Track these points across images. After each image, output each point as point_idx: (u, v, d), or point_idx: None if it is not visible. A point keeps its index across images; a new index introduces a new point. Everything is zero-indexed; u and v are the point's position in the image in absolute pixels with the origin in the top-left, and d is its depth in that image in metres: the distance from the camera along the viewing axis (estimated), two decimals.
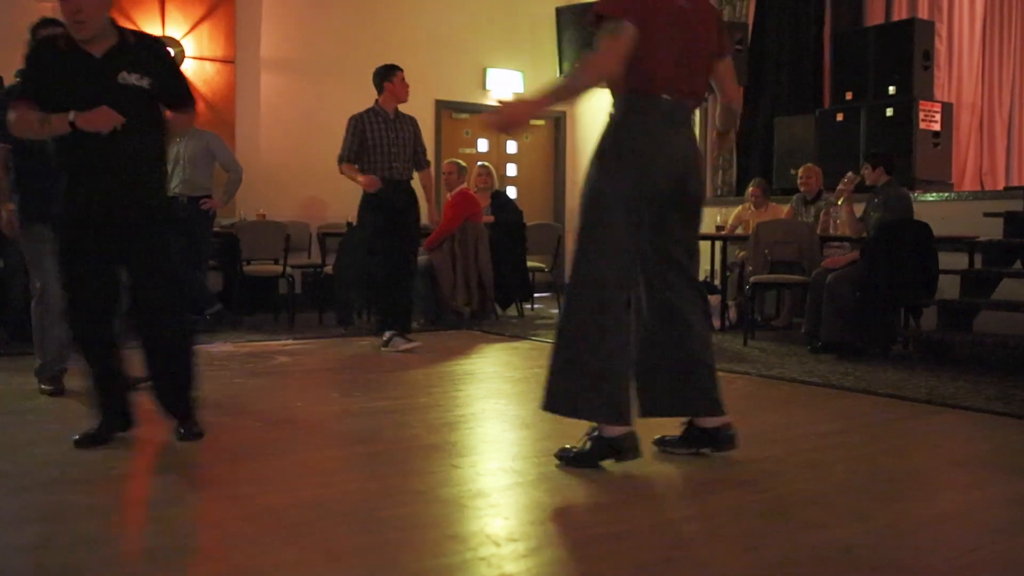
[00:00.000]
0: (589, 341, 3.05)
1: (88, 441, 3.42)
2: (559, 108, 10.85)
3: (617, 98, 3.12)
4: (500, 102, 3.24)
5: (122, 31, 3.53)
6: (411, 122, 6.18)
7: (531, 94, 3.07)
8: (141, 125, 3.36)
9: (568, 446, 3.21)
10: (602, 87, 3.12)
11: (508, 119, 2.99)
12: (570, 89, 3.10)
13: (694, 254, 3.35)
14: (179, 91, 3.56)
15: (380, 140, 5.98)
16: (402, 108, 6.15)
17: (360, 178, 5.91)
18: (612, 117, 3.13)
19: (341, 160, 6.02)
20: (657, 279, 3.26)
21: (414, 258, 6.22)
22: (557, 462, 3.19)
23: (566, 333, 3.11)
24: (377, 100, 6.08)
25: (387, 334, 6.01)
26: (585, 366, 3.04)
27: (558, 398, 3.12)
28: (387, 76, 6.09)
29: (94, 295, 3.41)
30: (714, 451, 3.29)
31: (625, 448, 3.09)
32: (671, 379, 3.25)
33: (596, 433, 3.12)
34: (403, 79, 6.08)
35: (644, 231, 3.11)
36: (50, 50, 3.42)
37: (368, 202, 5.99)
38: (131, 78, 3.39)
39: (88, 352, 3.49)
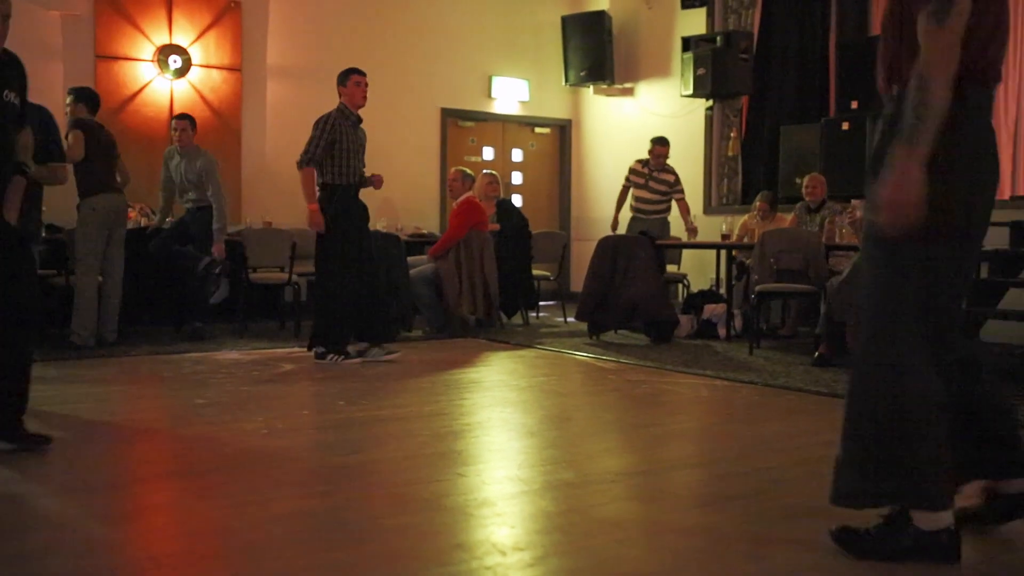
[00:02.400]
0: None
1: None
2: (564, 116, 10.87)
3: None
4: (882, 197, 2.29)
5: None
6: (364, 134, 5.98)
7: (897, 156, 2.25)
8: (12, 143, 3.34)
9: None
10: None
11: (896, 206, 2.25)
12: (930, 113, 2.23)
13: None
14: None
15: (350, 143, 5.77)
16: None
17: (311, 205, 5.65)
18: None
19: (308, 162, 5.68)
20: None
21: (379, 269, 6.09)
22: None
23: None
24: (341, 101, 5.86)
25: (361, 345, 5.88)
26: None
27: None
28: (342, 79, 5.85)
29: None
30: None
31: None
32: None
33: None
34: (358, 82, 5.82)
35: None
36: None
37: (344, 210, 5.75)
38: (10, 95, 3.36)
39: None
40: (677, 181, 8.41)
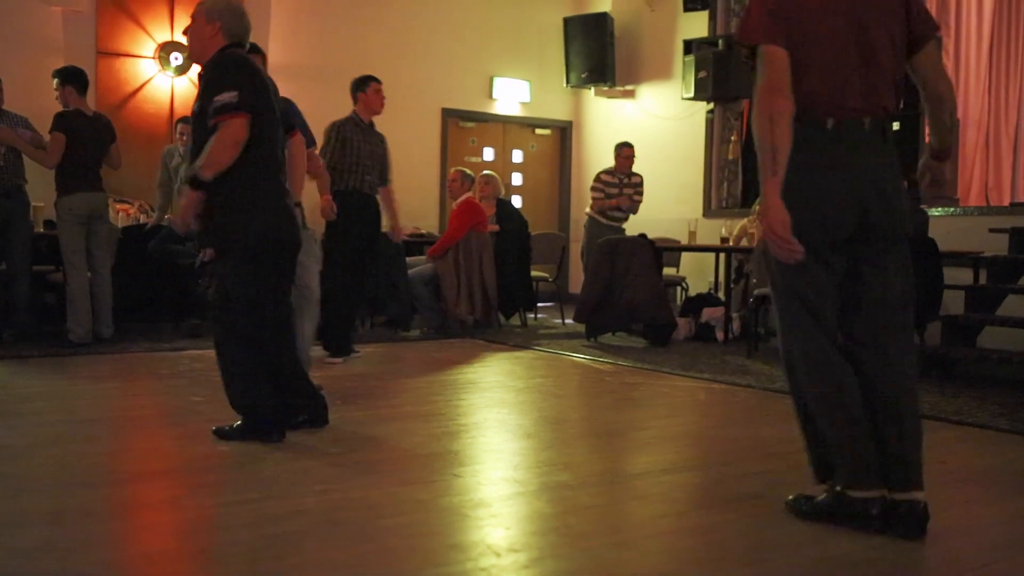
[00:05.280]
0: None
1: None
2: (565, 118, 10.87)
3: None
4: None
5: None
6: (383, 139, 6.03)
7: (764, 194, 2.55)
8: None
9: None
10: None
11: (776, 235, 2.53)
12: (767, 152, 2.54)
13: None
14: None
15: (358, 151, 5.81)
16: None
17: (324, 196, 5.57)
18: None
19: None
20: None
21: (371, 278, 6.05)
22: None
23: None
24: (354, 110, 5.94)
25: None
26: None
27: None
28: (361, 87, 5.89)
29: None
30: None
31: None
32: None
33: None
34: (377, 90, 5.90)
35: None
36: None
37: (352, 215, 5.76)
38: None
39: None
40: (642, 180, 8.42)
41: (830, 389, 2.64)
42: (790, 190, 2.55)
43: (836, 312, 2.69)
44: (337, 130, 5.81)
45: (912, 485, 2.60)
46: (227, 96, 3.43)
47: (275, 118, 3.69)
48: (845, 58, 2.60)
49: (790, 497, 2.84)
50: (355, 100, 5.93)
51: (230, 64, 3.54)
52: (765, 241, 2.61)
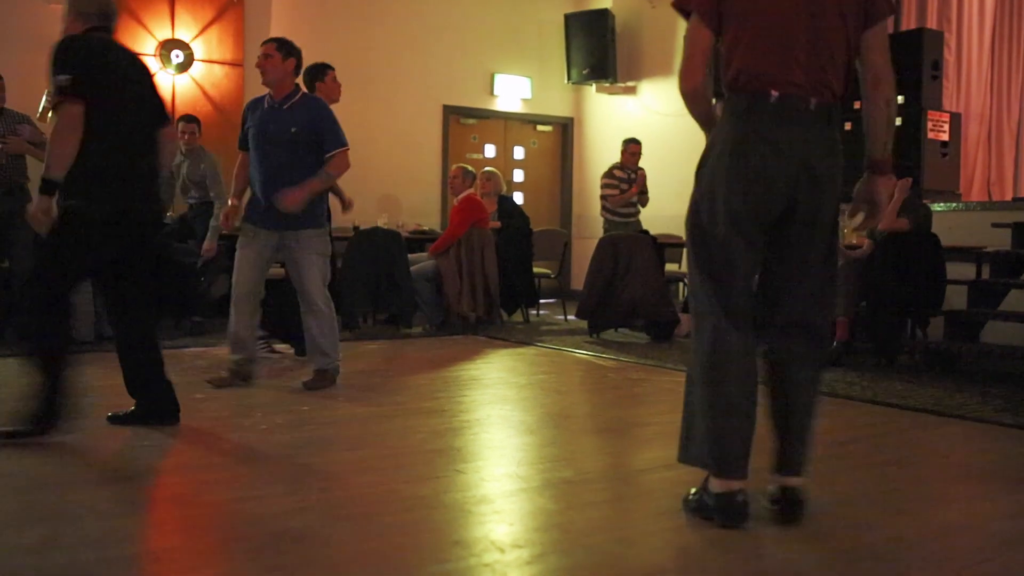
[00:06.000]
0: None
1: None
2: (566, 114, 10.86)
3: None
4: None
5: None
6: None
7: None
8: None
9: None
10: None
11: None
12: (704, 127, 2.70)
13: None
14: None
15: None
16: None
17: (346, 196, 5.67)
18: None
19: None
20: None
21: None
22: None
23: None
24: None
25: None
26: None
27: None
28: (317, 75, 5.66)
29: None
30: None
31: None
32: None
33: None
34: (335, 78, 5.70)
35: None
36: None
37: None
38: None
39: None
40: (645, 175, 8.44)
41: (718, 374, 2.59)
42: (721, 160, 2.56)
43: (748, 291, 2.65)
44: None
45: (792, 471, 2.66)
46: (61, 79, 3.42)
47: (125, 100, 3.62)
48: (792, 30, 2.53)
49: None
50: (312, 89, 5.74)
51: (63, 48, 3.50)
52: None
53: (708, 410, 2.60)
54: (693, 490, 2.75)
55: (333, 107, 5.33)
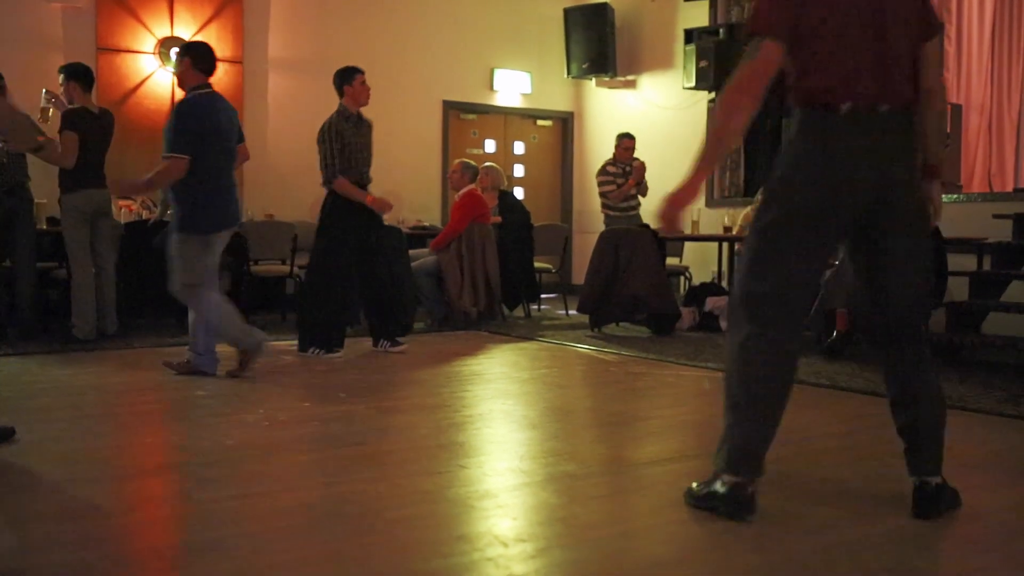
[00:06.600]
0: None
1: None
2: (566, 109, 10.85)
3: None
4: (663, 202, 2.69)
5: None
6: (370, 126, 5.92)
7: (688, 175, 2.65)
8: None
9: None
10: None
11: (670, 213, 2.66)
12: (712, 140, 2.66)
13: None
14: None
15: (354, 145, 5.72)
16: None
17: (368, 198, 5.65)
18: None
19: (334, 176, 5.62)
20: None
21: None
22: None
23: None
24: (341, 103, 5.80)
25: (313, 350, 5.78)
26: None
27: None
28: (346, 79, 5.76)
29: None
30: None
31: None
32: None
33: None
34: (363, 81, 5.77)
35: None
36: None
37: (343, 209, 5.68)
38: None
39: None
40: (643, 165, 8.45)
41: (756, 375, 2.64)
42: (800, 168, 2.59)
43: (806, 298, 2.71)
44: (333, 129, 5.68)
45: (929, 471, 2.73)
46: None
47: None
48: (862, 41, 2.57)
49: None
50: (341, 93, 5.78)
51: None
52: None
53: (738, 409, 2.64)
54: (696, 483, 2.75)
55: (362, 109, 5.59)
